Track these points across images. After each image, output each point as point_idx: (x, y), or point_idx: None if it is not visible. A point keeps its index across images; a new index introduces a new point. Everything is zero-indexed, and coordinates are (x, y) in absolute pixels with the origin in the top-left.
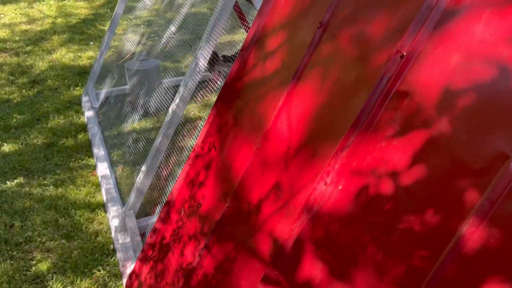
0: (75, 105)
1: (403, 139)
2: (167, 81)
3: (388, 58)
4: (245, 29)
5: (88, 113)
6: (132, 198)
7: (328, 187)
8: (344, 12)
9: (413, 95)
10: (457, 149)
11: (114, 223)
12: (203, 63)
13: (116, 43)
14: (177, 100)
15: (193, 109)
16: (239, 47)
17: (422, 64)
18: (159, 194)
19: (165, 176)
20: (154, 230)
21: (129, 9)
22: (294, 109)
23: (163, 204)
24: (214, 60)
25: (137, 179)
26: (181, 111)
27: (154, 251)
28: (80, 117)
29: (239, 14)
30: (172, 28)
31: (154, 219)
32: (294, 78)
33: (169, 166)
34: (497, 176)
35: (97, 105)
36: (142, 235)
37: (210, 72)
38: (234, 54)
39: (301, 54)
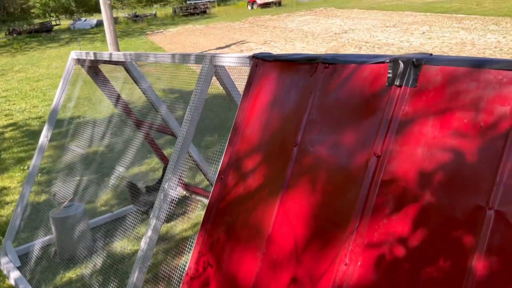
0: None
1: (400, 214)
2: (93, 222)
3: (367, 158)
4: (159, 158)
5: (14, 274)
6: None
7: (349, 266)
8: (315, 132)
9: (397, 181)
10: (443, 210)
11: None
12: (172, 194)
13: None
14: (149, 233)
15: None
16: (155, 177)
17: (396, 159)
18: None
19: None
20: None
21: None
22: (291, 212)
23: None
24: (135, 192)
25: None
26: (153, 242)
27: None
28: (4, 281)
29: (152, 144)
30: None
31: None
32: (284, 187)
33: None
34: (481, 223)
35: (19, 264)
36: None
37: (134, 204)
38: (156, 184)
39: (284, 168)
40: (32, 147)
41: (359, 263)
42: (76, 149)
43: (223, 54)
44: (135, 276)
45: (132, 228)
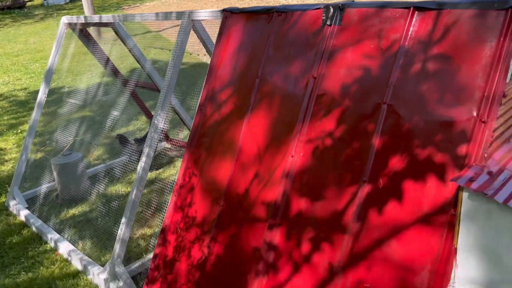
0: (2, 212)
1: (329, 116)
2: (89, 171)
3: (308, 80)
4: (147, 117)
5: (24, 212)
6: (117, 249)
7: (294, 157)
8: (271, 65)
9: (327, 94)
10: (356, 109)
11: (100, 278)
12: (161, 125)
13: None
14: (144, 158)
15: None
16: (143, 132)
17: (327, 78)
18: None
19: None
20: (155, 256)
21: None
22: (254, 128)
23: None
24: (125, 143)
25: (119, 231)
26: (148, 166)
27: (160, 270)
28: (15, 218)
29: (138, 100)
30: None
31: (138, 262)
32: (249, 110)
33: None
34: (378, 114)
35: (26, 206)
36: (132, 278)
37: (124, 152)
38: (143, 136)
39: (249, 96)
40: (21, 114)
41: (301, 154)
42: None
43: (200, 10)
44: (133, 193)
45: (124, 175)
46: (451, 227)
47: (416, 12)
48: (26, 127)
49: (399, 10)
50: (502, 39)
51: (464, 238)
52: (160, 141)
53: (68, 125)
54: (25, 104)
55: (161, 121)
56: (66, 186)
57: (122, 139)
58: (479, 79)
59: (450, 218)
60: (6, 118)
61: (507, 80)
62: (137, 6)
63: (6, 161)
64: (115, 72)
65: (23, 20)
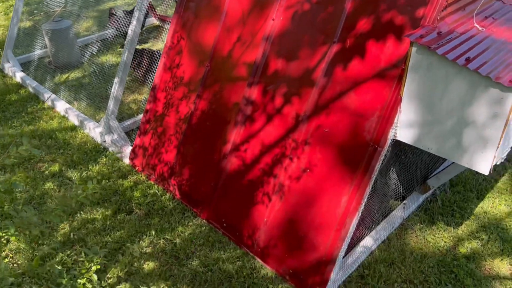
0: None
1: None
2: (80, 40)
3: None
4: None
5: (19, 74)
6: (111, 105)
7: (275, 21)
8: None
9: None
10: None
11: (96, 132)
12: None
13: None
14: (134, 22)
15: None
16: (130, 7)
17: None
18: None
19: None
20: (146, 111)
21: None
22: None
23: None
24: (113, 15)
25: (112, 89)
26: (138, 30)
27: (151, 123)
28: (12, 79)
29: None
30: None
31: (131, 120)
32: None
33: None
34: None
35: (21, 69)
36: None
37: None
38: (132, 9)
39: None
40: None
41: (281, 18)
42: None
43: None
44: (125, 55)
45: (113, 45)
46: (400, 79)
47: None
48: None
49: None
50: None
51: (408, 88)
52: (148, 16)
53: None
54: None
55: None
56: (58, 51)
57: (112, 13)
58: None
59: (400, 72)
60: None
61: None
62: None
63: None
64: None
65: None
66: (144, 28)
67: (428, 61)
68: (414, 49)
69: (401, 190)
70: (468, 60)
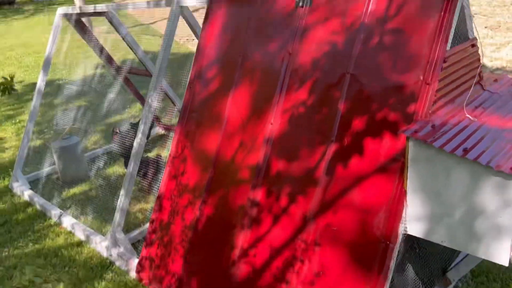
0: (7, 193)
1: (302, 87)
2: (87, 155)
3: (284, 56)
4: (141, 103)
5: (27, 193)
6: (117, 217)
7: (273, 125)
8: (252, 44)
9: (300, 68)
10: (325, 78)
11: (102, 245)
12: (155, 104)
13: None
14: (139, 135)
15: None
16: (136, 120)
17: (300, 54)
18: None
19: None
20: (152, 221)
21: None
22: (239, 101)
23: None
24: (116, 133)
25: (118, 201)
26: (143, 142)
27: (157, 233)
28: (20, 198)
29: (131, 86)
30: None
31: (137, 231)
32: (233, 86)
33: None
34: (344, 82)
35: (29, 187)
36: (132, 245)
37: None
38: (138, 121)
39: (233, 72)
40: (18, 106)
41: (279, 122)
42: (69, 93)
43: None
44: (131, 167)
45: (120, 157)
46: (402, 172)
47: None
48: (23, 117)
49: None
50: (442, 13)
51: (411, 181)
52: (153, 127)
53: (66, 112)
54: (21, 96)
55: (154, 101)
56: (66, 167)
57: (115, 132)
58: (424, 48)
59: (401, 166)
60: (3, 109)
61: (448, 48)
62: None
63: (7, 148)
64: (109, 60)
65: (14, 16)
66: (149, 138)
67: (427, 154)
68: (411, 143)
69: (421, 287)
70: (465, 151)
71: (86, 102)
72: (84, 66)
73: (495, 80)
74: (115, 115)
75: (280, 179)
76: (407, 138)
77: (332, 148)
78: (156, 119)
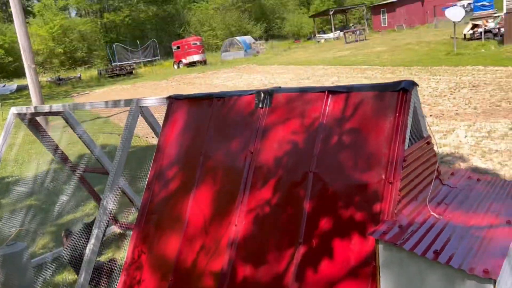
0: None
1: (266, 186)
2: (34, 261)
3: (246, 155)
4: (96, 201)
5: None
6: None
7: (237, 227)
8: (214, 144)
9: (263, 167)
10: (289, 177)
11: None
12: (110, 207)
13: None
14: (92, 240)
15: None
16: (91, 219)
17: (262, 153)
18: None
19: None
20: None
21: None
22: (200, 201)
23: None
24: (69, 235)
25: None
26: (97, 248)
27: None
28: None
29: (87, 187)
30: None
31: None
32: (195, 185)
33: None
34: (307, 181)
35: None
36: None
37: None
38: (92, 221)
39: (194, 172)
40: None
41: (243, 223)
42: (17, 193)
43: (147, 97)
44: (82, 277)
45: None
46: (374, 277)
47: (330, 95)
48: None
49: (316, 93)
50: (397, 114)
51: (384, 285)
52: (109, 225)
53: (13, 215)
54: None
55: (110, 203)
56: (8, 279)
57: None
58: (383, 147)
59: (372, 269)
60: None
61: (406, 147)
62: (86, 93)
63: None
64: (64, 159)
65: None
66: (104, 238)
67: (398, 257)
68: (380, 246)
69: None
70: (436, 253)
71: (37, 201)
72: (36, 164)
73: (452, 174)
74: (67, 215)
75: (247, 287)
76: (376, 241)
77: (301, 250)
78: (113, 219)
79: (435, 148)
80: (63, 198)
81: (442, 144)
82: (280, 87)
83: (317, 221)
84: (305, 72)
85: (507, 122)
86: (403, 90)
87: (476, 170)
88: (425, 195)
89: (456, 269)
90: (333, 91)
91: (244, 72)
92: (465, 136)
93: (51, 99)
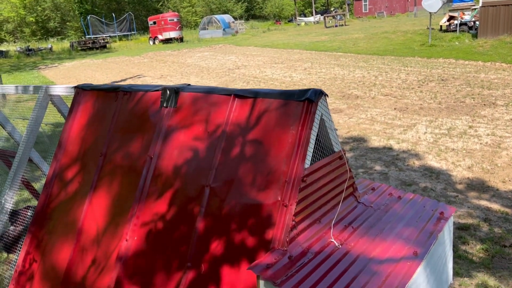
0: None
1: (162, 198)
2: None
3: (145, 160)
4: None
5: None
6: None
7: (128, 241)
8: (115, 143)
9: (162, 175)
10: (185, 190)
11: None
12: (8, 206)
13: None
14: None
15: None
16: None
17: (163, 158)
18: None
19: None
20: None
21: None
22: (95, 207)
23: None
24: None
25: None
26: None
27: None
28: None
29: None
30: None
31: None
32: (91, 189)
33: None
34: (203, 196)
35: None
36: None
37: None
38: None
39: (92, 175)
40: None
41: (135, 238)
42: None
43: (56, 85)
44: None
45: None
46: None
47: (236, 99)
48: None
49: (223, 96)
50: (300, 127)
51: None
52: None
53: None
54: None
55: (9, 201)
56: None
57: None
58: (283, 164)
59: None
60: None
61: (308, 165)
62: (55, 66)
63: None
64: None
65: None
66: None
67: None
68: (261, 282)
69: None
70: None
71: None
72: None
73: (373, 189)
74: None
75: None
76: (258, 276)
77: (189, 275)
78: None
79: (347, 165)
80: None
81: (401, 140)
82: (189, 84)
83: (208, 244)
84: (280, 56)
85: (468, 119)
86: (308, 101)
87: (429, 169)
88: (331, 217)
89: None
90: (239, 95)
91: (219, 52)
92: (425, 133)
93: (17, 70)
